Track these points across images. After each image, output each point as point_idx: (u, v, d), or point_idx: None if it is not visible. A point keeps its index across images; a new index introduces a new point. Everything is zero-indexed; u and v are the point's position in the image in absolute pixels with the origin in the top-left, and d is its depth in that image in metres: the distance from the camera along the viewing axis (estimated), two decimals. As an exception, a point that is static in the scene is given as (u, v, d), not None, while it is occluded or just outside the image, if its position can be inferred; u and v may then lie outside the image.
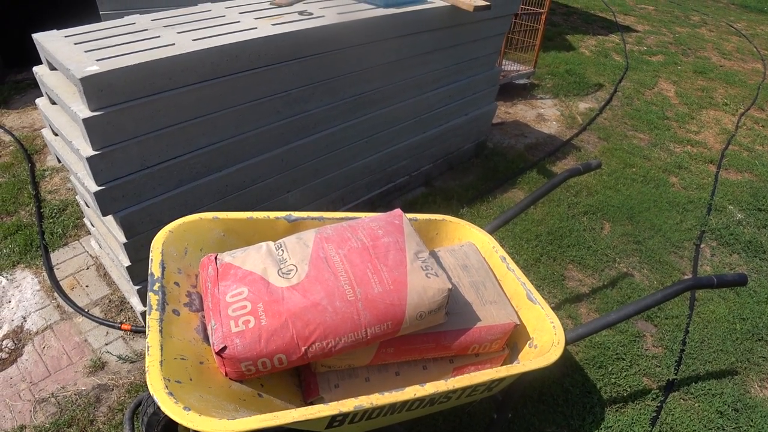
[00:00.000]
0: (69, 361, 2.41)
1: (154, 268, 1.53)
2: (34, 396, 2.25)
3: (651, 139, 4.86)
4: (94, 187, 1.96)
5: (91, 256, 2.97)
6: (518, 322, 1.73)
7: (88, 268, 2.90)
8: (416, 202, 3.58)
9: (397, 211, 1.79)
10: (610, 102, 5.51)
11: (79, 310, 2.62)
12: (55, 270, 2.87)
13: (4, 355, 2.40)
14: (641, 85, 6.00)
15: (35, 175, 3.60)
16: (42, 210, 3.25)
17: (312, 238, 1.61)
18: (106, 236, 2.45)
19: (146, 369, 1.27)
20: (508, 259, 1.98)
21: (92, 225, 2.70)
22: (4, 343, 2.46)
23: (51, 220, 3.19)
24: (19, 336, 2.50)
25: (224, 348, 1.35)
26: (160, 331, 1.35)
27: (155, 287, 1.47)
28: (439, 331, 1.63)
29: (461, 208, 3.53)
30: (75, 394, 2.27)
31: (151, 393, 1.22)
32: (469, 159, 4.13)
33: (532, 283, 2.98)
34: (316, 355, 1.42)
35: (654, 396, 2.46)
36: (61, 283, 2.79)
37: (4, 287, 2.74)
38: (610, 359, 2.58)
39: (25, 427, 2.13)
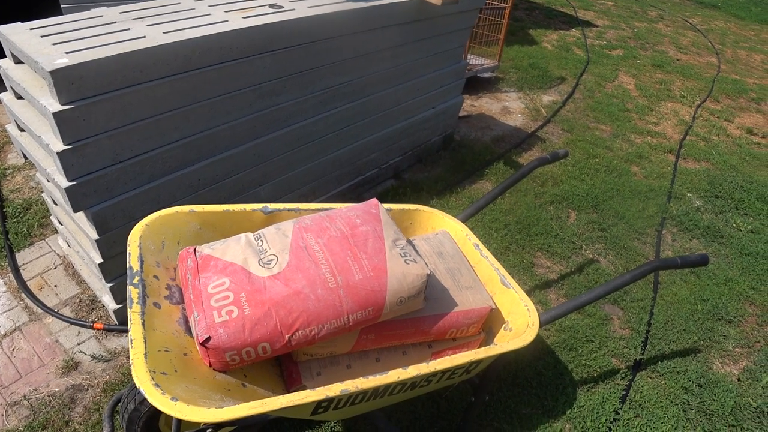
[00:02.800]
0: (40, 362, 2.36)
1: (133, 261, 1.52)
2: (5, 399, 2.20)
3: (612, 131, 5.02)
4: (65, 183, 1.93)
5: (58, 255, 2.90)
6: (494, 306, 1.79)
7: (56, 268, 2.83)
8: (386, 194, 3.62)
9: (374, 200, 1.82)
10: (573, 95, 5.66)
11: (49, 311, 2.57)
12: (21, 270, 2.79)
13: (-30, 359, 2.34)
14: (602, 79, 6.18)
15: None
16: (4, 210, 3.16)
17: (291, 228, 1.62)
18: (76, 233, 2.40)
19: (131, 362, 1.27)
20: (482, 246, 2.04)
21: (60, 223, 2.65)
22: (-29, 346, 2.39)
23: (15, 220, 3.10)
24: (-14, 339, 2.43)
25: (209, 338, 1.35)
26: (143, 324, 1.35)
27: (135, 281, 1.47)
28: (418, 317, 1.68)
29: (431, 200, 3.58)
30: (48, 396, 2.22)
31: (137, 385, 1.23)
32: (437, 151, 4.19)
33: (504, 271, 3.08)
34: (300, 343, 1.45)
35: (623, 375, 2.56)
36: (28, 283, 2.72)
37: (-33, 289, 2.66)
38: (580, 342, 2.68)
39: (-3, 431, 2.09)
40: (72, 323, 2.53)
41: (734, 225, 3.85)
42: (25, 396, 2.22)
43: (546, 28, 7.77)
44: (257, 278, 1.46)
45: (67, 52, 1.84)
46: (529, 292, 2.98)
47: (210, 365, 1.42)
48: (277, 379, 1.67)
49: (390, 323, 1.63)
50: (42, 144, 1.92)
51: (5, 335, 2.46)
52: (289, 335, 1.41)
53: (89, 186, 2.00)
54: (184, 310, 1.53)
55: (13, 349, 2.40)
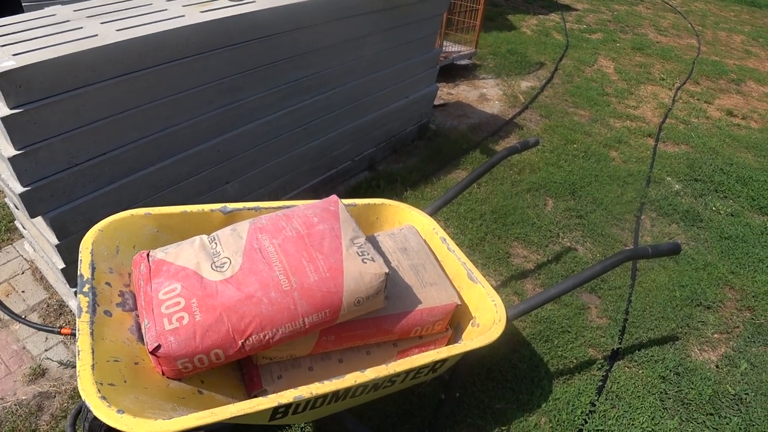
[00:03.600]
0: (7, 370, 2.32)
1: (84, 269, 1.48)
2: (-30, 409, 2.16)
3: (591, 115, 5.00)
4: (20, 188, 1.88)
5: (26, 259, 2.85)
6: (459, 303, 1.77)
7: (23, 273, 2.78)
8: (360, 187, 3.58)
9: (333, 197, 1.79)
10: (552, 80, 5.63)
11: (16, 317, 2.52)
12: (-13, 277, 2.74)
13: (-66, 369, 2.29)
14: (581, 63, 6.15)
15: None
16: (-29, 214, 3.09)
17: (246, 229, 1.59)
18: (38, 238, 2.35)
19: (77, 374, 1.24)
20: (449, 240, 2.02)
21: (24, 227, 2.59)
22: (-65, 356, 2.34)
23: (-19, 225, 3.03)
24: (-49, 348, 2.38)
25: (158, 347, 1.32)
26: (91, 334, 1.32)
27: (85, 289, 1.43)
28: (380, 316, 1.65)
29: (405, 191, 3.55)
30: (15, 405, 2.18)
31: (83, 398, 1.19)
32: (412, 141, 4.15)
33: (478, 263, 3.06)
34: (254, 348, 1.42)
35: (600, 366, 2.56)
36: (-6, 290, 2.67)
37: (-69, 298, 2.60)
38: (556, 333, 2.67)
39: (-38, 443, 2.05)
40: (39, 329, 2.49)
41: (713, 208, 3.86)
42: (-10, 406, 2.18)
43: (525, 13, 7.72)
44: (209, 283, 1.42)
45: (14, 54, 1.78)
46: (504, 283, 2.97)
47: (162, 373, 1.39)
48: (237, 384, 1.65)
49: (350, 324, 1.61)
50: (-7, 151, 1.87)
51: (-29, 344, 2.41)
52: (242, 341, 1.38)
53: (45, 190, 1.95)
54: (137, 317, 1.49)
55: (-22, 358, 2.36)
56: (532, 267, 3.11)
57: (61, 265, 2.18)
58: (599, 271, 1.88)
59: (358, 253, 1.54)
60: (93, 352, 1.28)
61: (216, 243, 1.55)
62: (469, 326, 1.86)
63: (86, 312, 1.36)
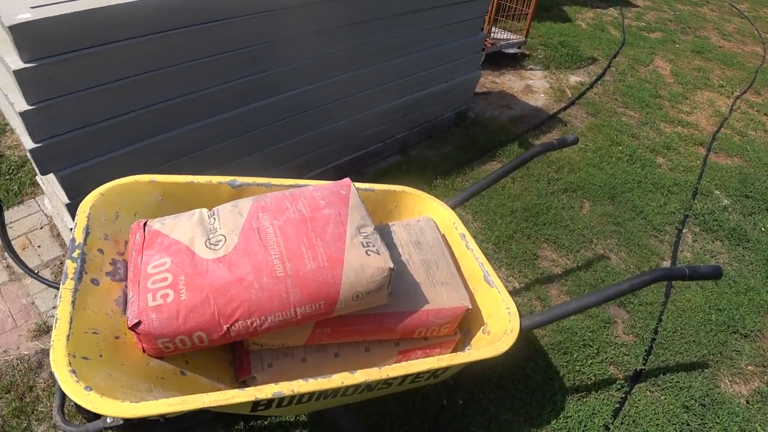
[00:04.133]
0: (14, 324, 2.32)
1: (77, 233, 1.42)
2: (-27, 359, 2.17)
3: (641, 118, 4.71)
4: (31, 144, 1.84)
5: (45, 215, 2.85)
6: (470, 306, 1.64)
7: (41, 228, 2.78)
8: (389, 170, 3.46)
9: (346, 180, 1.67)
10: (603, 77, 5.33)
11: (29, 272, 2.52)
12: (7, 228, 2.75)
13: (-55, 316, 2.31)
14: (636, 62, 5.81)
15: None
16: (0, 165, 3.12)
17: (248, 206, 1.49)
18: (53, 196, 2.33)
19: (51, 343, 1.17)
20: (468, 236, 1.88)
21: (43, 183, 2.58)
22: (-53, 303, 2.36)
23: (8, 177, 3.06)
24: (-37, 296, 2.40)
25: (138, 323, 1.25)
26: (73, 303, 1.25)
27: (74, 254, 1.36)
28: (381, 313, 1.54)
29: (435, 179, 3.41)
30: (17, 359, 2.18)
31: (52, 369, 1.13)
32: (448, 128, 3.99)
33: (503, 262, 2.91)
34: (240, 334, 1.33)
35: (619, 386, 2.39)
36: (13, 242, 2.68)
37: (-49, 245, 2.63)
38: (576, 345, 2.51)
39: (-39, 392, 2.06)
40: (50, 286, 2.48)
41: (763, 229, 3.58)
42: (-7, 358, 2.18)
43: (582, 5, 7.35)
44: (200, 260, 1.34)
45: (32, 7, 1.72)
46: (528, 286, 2.81)
47: (143, 350, 1.32)
48: (227, 367, 1.57)
49: (348, 318, 1.50)
50: (9, 103, 1.82)
51: (-17, 294, 2.43)
52: (228, 326, 1.30)
53: (57, 148, 1.90)
54: (126, 288, 1.42)
55: (-12, 309, 2.37)
56: (559, 272, 2.94)
57: (72, 224, 2.15)
58: (627, 289, 1.72)
59: (362, 244, 1.42)
60: (71, 322, 1.22)
61: (215, 218, 1.47)
62: (480, 332, 1.73)
63: (71, 279, 1.30)
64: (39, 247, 2.67)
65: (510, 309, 1.64)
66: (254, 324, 1.32)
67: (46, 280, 2.49)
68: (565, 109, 4.58)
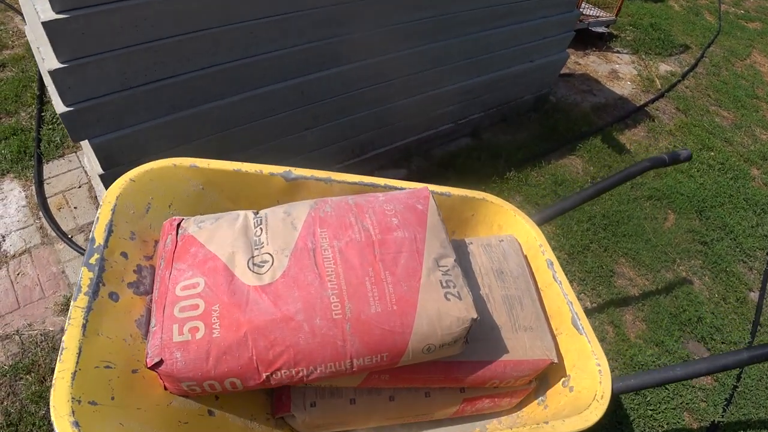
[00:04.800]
0: (41, 294, 2.16)
1: (98, 231, 1.18)
2: (-3, 329, 2.02)
3: (735, 120, 4.18)
4: (62, 107, 1.61)
5: (86, 172, 2.67)
6: (555, 360, 1.34)
7: (80, 187, 2.61)
8: (458, 155, 3.12)
9: (424, 190, 1.37)
10: (695, 68, 4.76)
11: (62, 236, 2.35)
12: (45, 185, 2.59)
13: (-27, 277, 2.17)
14: (732, 54, 5.17)
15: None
16: (43, 114, 2.94)
17: (303, 216, 1.22)
18: (91, 159, 2.12)
19: (53, 382, 0.95)
20: (557, 265, 1.56)
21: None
22: (-23, 263, 2.22)
23: (50, 127, 2.88)
24: (-6, 257, 2.26)
25: (160, 362, 1.01)
26: (84, 327, 1.02)
27: (92, 259, 1.12)
28: (451, 361, 1.26)
29: (508, 171, 3.05)
30: (41, 335, 2.03)
31: (51, 418, 0.91)
32: (526, 112, 3.59)
33: (575, 276, 2.58)
34: (282, 382, 1.08)
35: (695, 439, 2.08)
36: (48, 200, 2.52)
37: (-13, 198, 2.48)
38: (651, 384, 2.19)
39: (-18, 365, 1.92)
40: (82, 253, 2.31)
41: None
42: (18, 330, 2.03)
43: (678, -18, 6.62)
44: (240, 286, 1.08)
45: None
46: (602, 307, 2.48)
47: (165, 388, 1.09)
48: (263, 399, 1.33)
49: (412, 366, 1.23)
50: (41, 59, 1.58)
51: (14, 256, 2.28)
52: (268, 374, 1.05)
53: (91, 113, 1.67)
54: (150, 303, 1.18)
55: (18, 274, 2.22)
56: (636, 294, 2.59)
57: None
58: (745, 360, 1.39)
59: (441, 283, 1.14)
60: (79, 354, 0.98)
61: (262, 228, 1.20)
62: (559, 385, 1.44)
63: (84, 294, 1.06)
64: (75, 208, 2.50)
65: (601, 367, 1.34)
66: (300, 374, 1.06)
67: (80, 248, 2.31)
68: (653, 101, 4.09)
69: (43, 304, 2.12)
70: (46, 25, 1.41)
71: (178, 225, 1.23)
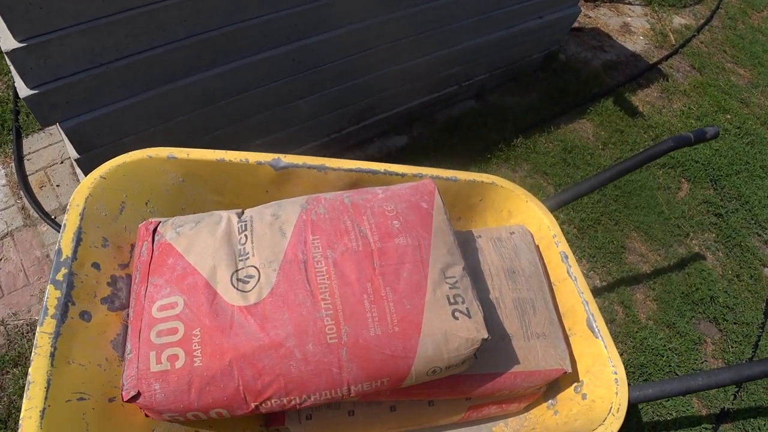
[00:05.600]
0: (26, 280, 2.06)
1: (64, 241, 1.05)
2: (-19, 320, 1.93)
3: (752, 78, 3.96)
4: (25, 91, 1.45)
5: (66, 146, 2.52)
6: (569, 370, 1.25)
7: (62, 162, 2.46)
8: (462, 120, 2.95)
9: (428, 183, 1.24)
10: (710, 21, 4.49)
11: (45, 218, 2.23)
12: (25, 161, 2.44)
13: (-47, 264, 2.06)
14: (749, 5, 4.87)
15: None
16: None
17: (293, 220, 1.09)
18: (65, 144, 1.97)
19: (20, 421, 0.85)
20: (571, 258, 1.44)
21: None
22: (-44, 248, 2.11)
23: (28, 96, 2.70)
24: (-26, 241, 2.14)
25: (137, 395, 0.91)
26: (52, 356, 0.91)
27: (59, 275, 1.00)
28: (458, 375, 1.16)
29: (516, 137, 2.89)
30: (27, 324, 1.94)
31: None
32: (534, 71, 3.39)
33: (585, 252, 2.47)
34: (273, 410, 0.98)
35: (703, 427, 2.02)
36: (30, 178, 2.38)
37: (-36, 177, 2.34)
38: (660, 370, 2.12)
39: (-33, 359, 1.84)
40: (67, 236, 2.19)
41: None
42: (3, 320, 1.95)
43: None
44: (224, 306, 0.96)
45: None
46: (611, 287, 2.38)
47: (146, 415, 0.99)
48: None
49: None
50: (-3, 35, 1.41)
51: (-5, 239, 2.16)
52: (257, 404, 0.95)
53: (59, 95, 1.51)
54: (127, 318, 1.07)
55: (0, 259, 2.11)
56: (647, 271, 2.48)
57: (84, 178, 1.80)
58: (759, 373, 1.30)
59: (448, 299, 1.02)
60: (48, 387, 0.88)
61: (247, 234, 1.07)
62: (571, 390, 1.34)
63: (51, 316, 0.95)
64: (58, 186, 2.37)
65: (618, 375, 1.25)
66: (292, 402, 0.96)
67: (62, 229, 2.19)
68: (666, 58, 3.87)
69: (28, 292, 2.03)
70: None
71: (155, 230, 1.11)
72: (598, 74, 3.50)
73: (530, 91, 3.27)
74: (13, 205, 2.28)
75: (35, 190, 2.33)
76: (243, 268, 1.01)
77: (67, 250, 1.04)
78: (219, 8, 1.68)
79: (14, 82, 2.63)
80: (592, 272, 2.42)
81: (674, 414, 2.02)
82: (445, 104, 3.04)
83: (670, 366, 2.13)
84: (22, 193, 2.30)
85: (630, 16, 4.26)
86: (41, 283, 2.05)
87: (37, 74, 1.43)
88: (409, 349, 0.97)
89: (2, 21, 1.31)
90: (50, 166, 2.43)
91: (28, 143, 2.51)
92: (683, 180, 2.96)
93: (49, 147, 2.51)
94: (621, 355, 2.13)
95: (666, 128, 3.21)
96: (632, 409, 2.00)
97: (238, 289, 0.98)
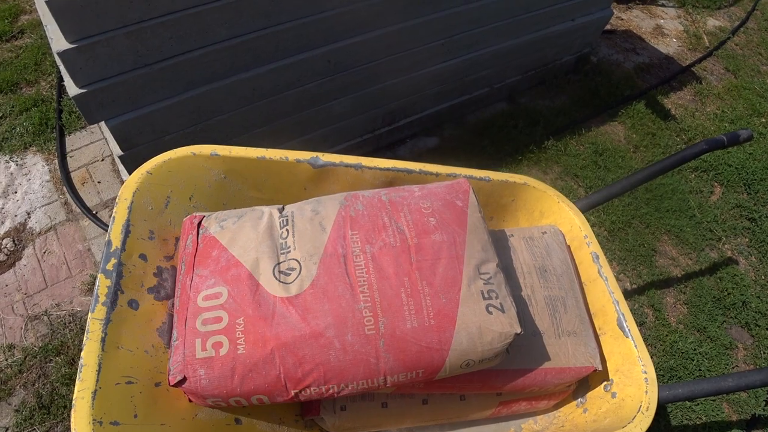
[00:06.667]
0: (68, 273, 2.14)
1: (114, 233, 1.10)
2: (27, 311, 2.02)
3: (790, 80, 3.87)
4: (74, 89, 1.52)
5: (108, 143, 2.61)
6: (600, 368, 1.26)
7: (103, 160, 2.55)
8: (494, 121, 2.96)
9: (463, 183, 1.26)
10: (746, 23, 4.40)
11: (87, 213, 2.31)
12: (68, 158, 2.54)
13: (2, 257, 2.16)
14: (789, 5, 4.77)
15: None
16: (63, 83, 2.86)
17: (332, 216, 1.13)
18: (109, 141, 2.05)
19: (73, 401, 0.90)
20: (602, 259, 1.45)
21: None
22: (4, 242, 2.20)
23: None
24: (21, 235, 2.24)
25: (183, 380, 0.95)
26: (102, 341, 0.96)
27: (109, 265, 1.05)
28: (489, 370, 1.18)
29: (546, 140, 2.89)
30: (69, 315, 2.02)
31: (70, 441, 0.86)
32: (565, 74, 3.38)
33: (615, 255, 2.46)
34: (311, 398, 1.02)
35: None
36: (72, 174, 2.47)
37: (12, 174, 2.44)
38: (689, 373, 2.10)
39: (15, 347, 1.92)
40: (107, 231, 2.27)
41: None
42: (46, 311, 2.03)
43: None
44: (266, 296, 1.00)
45: None
46: (642, 289, 2.36)
47: (190, 400, 1.04)
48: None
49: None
50: (49, 38, 1.49)
51: (40, 233, 2.25)
52: (296, 391, 0.98)
53: (105, 94, 1.58)
54: (172, 308, 1.12)
55: (44, 252, 2.20)
56: (678, 274, 2.46)
57: (127, 175, 1.87)
58: None
59: (482, 294, 1.04)
60: (99, 370, 0.93)
61: (288, 229, 1.11)
62: (601, 389, 1.35)
63: (102, 304, 1.00)
64: (99, 182, 2.45)
65: (648, 375, 1.25)
66: (330, 390, 1.00)
67: (105, 225, 2.28)
68: (700, 61, 3.81)
69: (70, 284, 2.11)
70: (51, 4, 1.31)
71: (199, 224, 1.15)
72: (630, 77, 3.47)
73: (561, 93, 3.26)
74: (56, 200, 2.37)
75: (77, 186, 2.42)
76: (285, 261, 1.05)
77: (116, 242, 1.09)
78: (259, 11, 1.73)
79: (58, 81, 2.74)
80: (622, 275, 2.40)
81: (704, 418, 2.00)
82: (476, 106, 3.05)
83: (700, 370, 2.11)
84: (65, 188, 2.39)
85: (663, 18, 4.21)
86: (83, 275, 2.13)
87: (86, 74, 1.50)
88: (444, 341, 0.99)
89: (55, 23, 1.38)
90: (92, 163, 2.52)
91: (71, 141, 2.61)
92: (716, 184, 2.91)
93: (91, 145, 2.61)
94: (650, 357, 2.11)
95: (699, 131, 3.16)
96: (661, 411, 1.98)
97: (280, 280, 1.02)
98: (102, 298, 1.01)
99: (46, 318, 2.00)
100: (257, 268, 1.04)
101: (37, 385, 1.84)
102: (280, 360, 0.95)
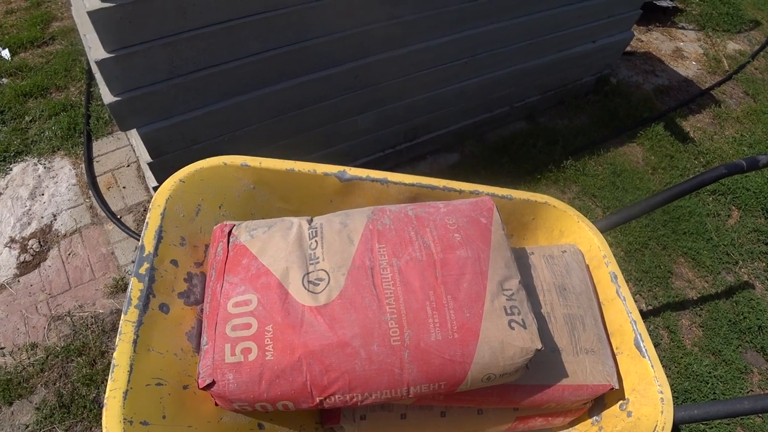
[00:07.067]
0: (92, 275, 2.19)
1: (147, 238, 1.14)
2: (50, 311, 2.06)
3: (811, 105, 3.86)
4: (109, 97, 1.57)
5: (134, 151, 2.67)
6: (617, 387, 1.27)
7: (128, 165, 2.61)
8: (513, 140, 2.98)
9: (487, 201, 1.29)
10: (766, 47, 4.41)
11: (112, 217, 2.37)
12: (94, 162, 2.60)
13: (28, 257, 2.21)
14: (811, 29, 4.77)
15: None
16: (92, 89, 2.94)
17: (360, 229, 1.16)
18: (139, 147, 2.10)
19: (104, 401, 0.93)
20: (621, 279, 1.46)
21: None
22: (30, 243, 2.25)
23: (99, 103, 2.88)
24: (47, 237, 2.29)
25: (212, 383, 0.98)
26: (134, 342, 0.99)
27: (142, 269, 1.09)
28: (508, 385, 1.20)
29: (565, 159, 2.91)
30: (92, 317, 2.06)
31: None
32: (585, 95, 3.40)
33: (631, 276, 2.46)
34: (335, 406, 1.04)
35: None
36: (98, 179, 2.53)
37: (40, 176, 2.51)
38: (705, 397, 2.09)
39: (37, 346, 1.96)
40: (131, 235, 2.32)
41: None
42: (69, 312, 2.07)
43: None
44: (295, 305, 1.03)
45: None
46: (658, 310, 2.36)
47: (216, 404, 1.06)
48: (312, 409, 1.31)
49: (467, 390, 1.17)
50: (87, 47, 1.55)
51: (65, 236, 2.31)
52: (322, 398, 1.01)
53: (139, 103, 1.63)
54: (201, 313, 1.15)
55: (69, 254, 2.25)
56: (694, 297, 2.45)
57: (154, 184, 1.92)
58: None
59: (505, 310, 1.06)
60: (131, 371, 0.96)
61: (317, 241, 1.14)
62: (617, 407, 1.36)
63: (134, 306, 1.03)
64: (124, 188, 2.51)
65: (664, 395, 1.25)
66: (354, 399, 1.02)
67: (129, 229, 2.33)
68: (719, 84, 3.82)
69: (94, 286, 2.15)
70: (92, 15, 1.37)
71: (230, 232, 1.19)
72: (649, 99, 3.49)
73: (581, 113, 3.28)
74: (82, 204, 2.43)
75: (103, 190, 2.48)
76: (314, 271, 1.08)
77: (149, 247, 1.13)
78: (290, 26, 1.78)
79: (87, 87, 2.81)
80: (638, 296, 2.40)
81: (719, 443, 1.99)
82: (497, 124, 3.08)
83: (714, 393, 2.10)
84: (90, 192, 2.45)
85: (683, 41, 4.23)
86: (106, 278, 2.18)
87: (122, 82, 1.55)
88: (467, 354, 1.01)
89: (94, 33, 1.44)
90: (117, 169, 2.59)
91: (98, 146, 2.67)
92: (734, 207, 2.91)
93: (117, 151, 2.67)
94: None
95: (717, 155, 3.17)
96: (675, 431, 1.98)
97: (308, 290, 1.05)
98: (135, 301, 1.04)
99: (68, 319, 2.04)
100: (287, 277, 1.07)
101: (58, 384, 1.88)
102: (307, 367, 0.98)
